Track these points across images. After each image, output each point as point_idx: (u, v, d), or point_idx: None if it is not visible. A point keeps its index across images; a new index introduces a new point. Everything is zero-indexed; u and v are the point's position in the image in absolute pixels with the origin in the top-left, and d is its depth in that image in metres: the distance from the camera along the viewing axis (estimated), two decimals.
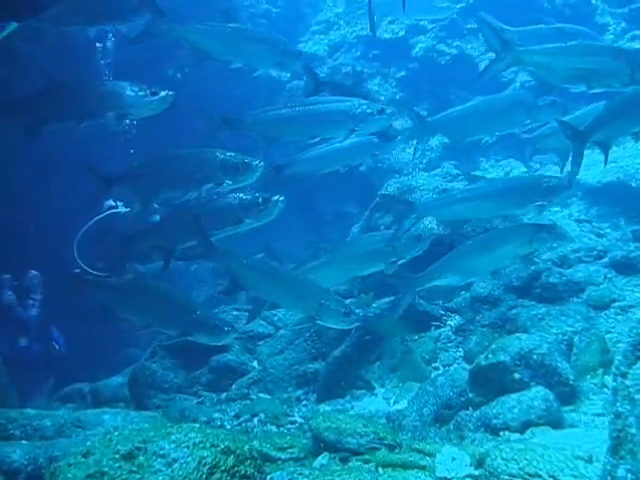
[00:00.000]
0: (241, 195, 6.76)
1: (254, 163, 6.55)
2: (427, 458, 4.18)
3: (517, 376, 5.37)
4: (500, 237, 6.69)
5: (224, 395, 7.63)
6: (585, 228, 8.34)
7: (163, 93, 6.45)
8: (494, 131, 7.66)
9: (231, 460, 3.24)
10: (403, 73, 12.35)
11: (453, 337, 7.41)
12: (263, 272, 6.57)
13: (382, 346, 7.39)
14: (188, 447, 3.18)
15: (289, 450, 4.79)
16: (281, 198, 6.68)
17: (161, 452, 3.14)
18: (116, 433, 3.30)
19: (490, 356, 5.54)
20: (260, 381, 7.64)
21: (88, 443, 3.31)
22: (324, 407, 6.93)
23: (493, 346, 5.66)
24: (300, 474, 3.59)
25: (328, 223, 11.61)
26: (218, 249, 6.59)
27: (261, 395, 7.46)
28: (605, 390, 5.51)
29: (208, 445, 3.23)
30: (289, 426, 6.56)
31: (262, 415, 6.77)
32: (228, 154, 6.59)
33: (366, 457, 4.47)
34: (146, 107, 6.48)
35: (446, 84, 11.72)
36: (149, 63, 9.67)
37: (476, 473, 3.80)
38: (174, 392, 7.80)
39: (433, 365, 7.17)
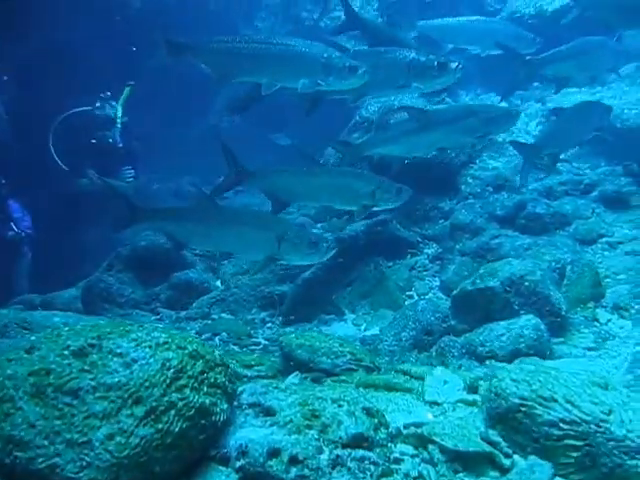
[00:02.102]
0: (412, 54, 5.84)
1: (361, 69, 5.67)
2: (413, 381, 3.78)
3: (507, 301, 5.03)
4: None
5: (183, 313, 7.20)
6: (564, 168, 7.94)
7: None
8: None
9: (200, 365, 2.79)
10: None
11: (430, 265, 7.05)
12: (307, 177, 6.09)
13: (355, 270, 7.01)
14: (151, 347, 2.71)
15: (256, 368, 4.37)
16: (460, 65, 5.91)
17: (118, 351, 2.66)
18: (66, 328, 2.81)
19: (478, 281, 5.13)
20: (223, 301, 7.19)
21: (32, 338, 2.82)
22: (290, 330, 6.55)
23: (481, 271, 5.25)
24: (276, 387, 3.15)
25: None
26: (249, 171, 5.99)
27: (223, 315, 7.05)
28: (596, 324, 5.19)
29: (174, 347, 2.76)
30: (253, 347, 6.15)
31: (224, 334, 6.34)
32: (335, 54, 5.70)
33: (342, 378, 4.05)
34: None
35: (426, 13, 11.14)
36: None
37: (470, 399, 3.43)
38: (130, 307, 7.34)
39: (407, 293, 6.80)
